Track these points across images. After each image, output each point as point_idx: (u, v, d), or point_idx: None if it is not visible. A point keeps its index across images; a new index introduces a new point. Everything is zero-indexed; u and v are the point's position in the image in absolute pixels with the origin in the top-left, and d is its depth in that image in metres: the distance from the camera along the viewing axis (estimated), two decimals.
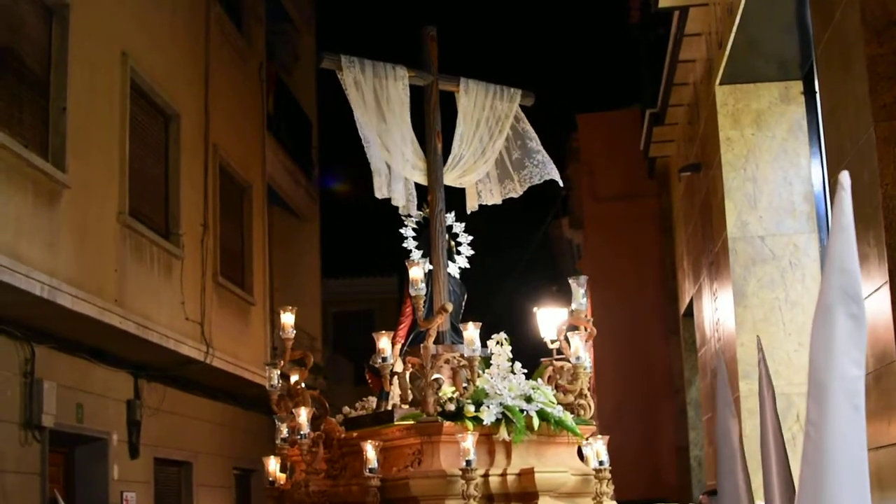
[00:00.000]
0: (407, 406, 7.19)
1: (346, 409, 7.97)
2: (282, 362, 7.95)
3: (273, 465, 8.07)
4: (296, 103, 21.65)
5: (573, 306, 7.64)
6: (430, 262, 7.79)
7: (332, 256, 25.88)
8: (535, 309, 12.74)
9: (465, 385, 7.11)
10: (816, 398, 3.55)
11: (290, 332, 7.85)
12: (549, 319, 12.15)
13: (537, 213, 25.49)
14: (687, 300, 15.11)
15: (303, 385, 7.91)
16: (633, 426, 17.66)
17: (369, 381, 8.05)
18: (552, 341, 8.47)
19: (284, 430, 7.85)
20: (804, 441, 3.53)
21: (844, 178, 3.48)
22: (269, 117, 18.95)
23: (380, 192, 7.74)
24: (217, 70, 16.10)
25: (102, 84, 12.22)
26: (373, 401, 7.94)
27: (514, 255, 28.21)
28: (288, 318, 7.84)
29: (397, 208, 7.93)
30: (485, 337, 7.46)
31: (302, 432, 7.35)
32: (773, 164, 10.43)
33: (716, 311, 11.82)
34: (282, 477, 8.10)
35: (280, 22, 21.14)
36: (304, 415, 7.38)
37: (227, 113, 16.46)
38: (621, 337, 17.89)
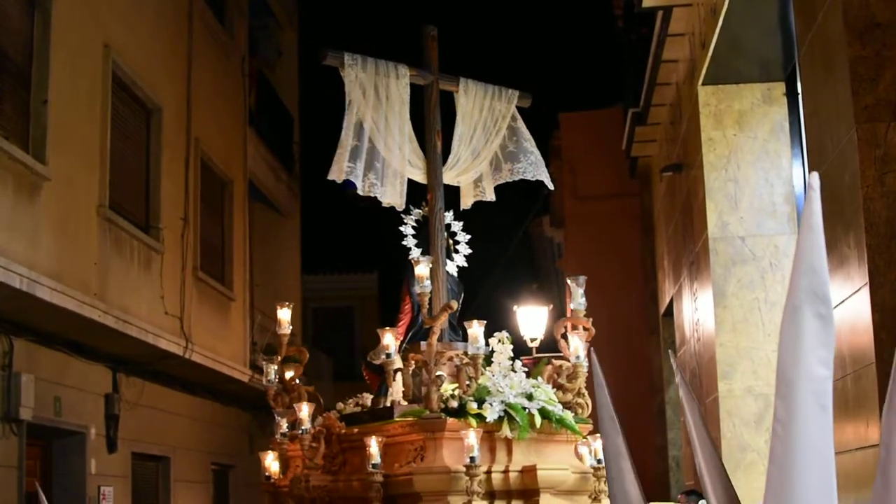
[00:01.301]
0: (406, 403, 7.21)
1: (340, 405, 7.97)
2: (278, 357, 7.97)
3: (269, 459, 8.05)
4: (277, 99, 21.62)
5: (572, 306, 7.69)
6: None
7: (313, 252, 25.87)
8: (515, 307, 12.74)
9: (467, 382, 7.14)
10: (784, 396, 3.60)
11: (287, 328, 7.87)
12: (529, 318, 12.15)
13: (518, 212, 25.51)
14: (667, 300, 15.14)
15: (297, 381, 7.94)
16: None
17: (366, 377, 8.06)
18: (532, 339, 8.49)
19: (284, 425, 7.82)
20: (772, 439, 3.59)
21: (814, 179, 3.56)
22: (250, 112, 18.92)
23: (337, 175, 7.68)
24: (199, 64, 16.06)
25: (84, 76, 12.18)
26: (368, 397, 7.95)
27: (494, 252, 28.23)
28: (284, 314, 7.87)
29: (381, 206, 7.94)
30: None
31: (303, 427, 7.35)
32: (755, 165, 10.45)
33: (696, 311, 11.84)
34: (275, 472, 8.08)
35: (263, 17, 21.10)
36: (305, 410, 7.38)
37: (208, 107, 16.43)
38: (601, 336, 17.77)
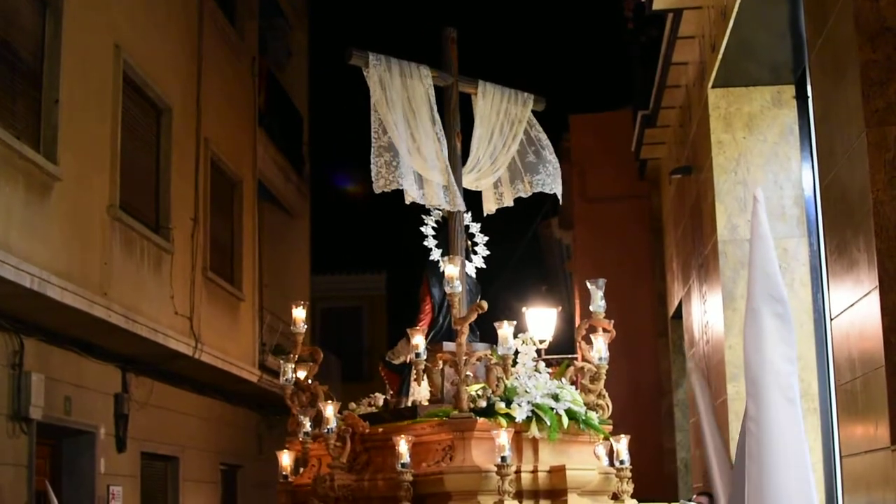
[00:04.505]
0: (428, 402, 7.23)
1: (352, 405, 7.98)
2: (294, 356, 7.96)
3: (286, 459, 8.02)
4: (287, 99, 21.65)
5: (592, 308, 7.70)
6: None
7: (322, 253, 25.90)
8: (523, 309, 12.76)
9: (496, 383, 7.16)
10: (753, 395, 3.77)
11: (301, 327, 7.86)
12: (538, 319, 12.17)
13: (526, 213, 25.50)
14: (676, 302, 15.14)
15: (310, 381, 7.94)
16: (621, 427, 17.69)
17: (384, 376, 8.05)
18: (541, 341, 8.51)
19: (307, 424, 7.81)
20: (746, 437, 3.69)
21: (759, 193, 3.79)
22: (260, 113, 18.95)
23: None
24: (209, 64, 16.10)
25: (95, 76, 12.22)
26: (380, 397, 7.96)
27: (503, 254, 28.20)
28: (299, 313, 7.86)
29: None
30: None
31: (328, 427, 7.34)
32: (764, 168, 10.45)
33: (704, 313, 11.84)
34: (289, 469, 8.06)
35: (273, 17, 21.13)
36: (330, 409, 7.37)
37: (218, 107, 16.46)
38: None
